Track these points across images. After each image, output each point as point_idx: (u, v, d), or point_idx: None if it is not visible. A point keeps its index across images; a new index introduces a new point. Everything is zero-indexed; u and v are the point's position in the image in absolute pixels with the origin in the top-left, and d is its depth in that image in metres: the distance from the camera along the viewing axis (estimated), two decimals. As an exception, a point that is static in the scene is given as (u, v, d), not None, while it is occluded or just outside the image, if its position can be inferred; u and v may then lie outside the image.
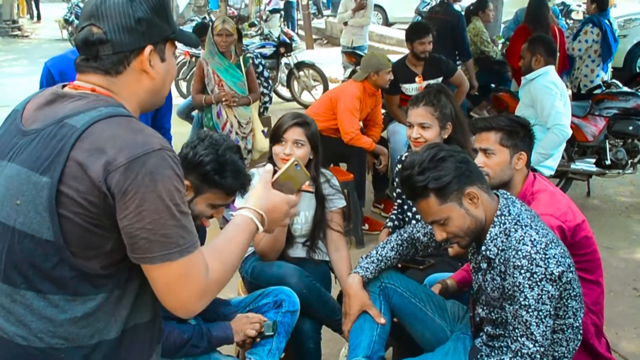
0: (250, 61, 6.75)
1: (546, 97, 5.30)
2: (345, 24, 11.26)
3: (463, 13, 8.81)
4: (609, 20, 7.99)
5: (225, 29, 6.25)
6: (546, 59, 5.47)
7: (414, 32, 6.34)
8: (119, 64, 1.74)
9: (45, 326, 1.66)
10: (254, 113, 6.59)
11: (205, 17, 15.14)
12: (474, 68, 8.15)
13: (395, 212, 3.97)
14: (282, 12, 20.11)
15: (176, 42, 1.91)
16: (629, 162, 6.54)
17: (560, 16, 9.96)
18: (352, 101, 5.78)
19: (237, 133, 6.37)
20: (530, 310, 2.39)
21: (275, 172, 2.10)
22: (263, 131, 6.62)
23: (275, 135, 3.58)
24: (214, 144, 2.73)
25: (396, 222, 3.91)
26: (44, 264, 1.63)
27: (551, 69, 5.48)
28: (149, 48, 1.75)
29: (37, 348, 1.67)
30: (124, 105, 1.75)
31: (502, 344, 2.58)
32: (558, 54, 7.19)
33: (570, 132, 5.29)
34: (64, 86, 1.77)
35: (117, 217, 1.59)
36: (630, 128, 6.42)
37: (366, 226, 6.00)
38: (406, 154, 3.89)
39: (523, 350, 2.42)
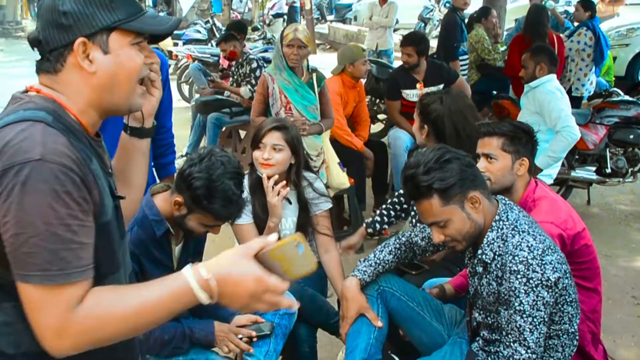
0: (325, 81, 5.49)
1: (553, 101, 5.36)
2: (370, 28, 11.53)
3: (466, 20, 8.85)
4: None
5: (297, 39, 5.03)
6: (549, 68, 5.55)
7: (401, 41, 6.38)
8: (56, 62, 1.62)
9: None
10: (326, 142, 5.43)
11: (208, 21, 15.15)
12: (470, 72, 8.25)
13: (385, 209, 4.02)
14: (286, 17, 20.18)
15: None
16: (630, 170, 6.55)
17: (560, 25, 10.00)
18: (333, 97, 5.74)
19: (312, 169, 5.06)
20: (524, 316, 2.40)
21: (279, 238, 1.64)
22: (339, 163, 5.45)
23: (255, 140, 3.57)
24: (210, 166, 2.68)
25: (384, 218, 3.96)
26: None
27: (554, 77, 5.56)
28: (78, 41, 1.59)
29: None
30: (70, 106, 1.64)
31: (499, 349, 2.58)
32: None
33: (579, 134, 5.33)
34: (26, 90, 1.69)
35: None
36: (631, 137, 6.43)
37: (366, 231, 5.98)
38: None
39: (515, 356, 2.42)
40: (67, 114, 1.62)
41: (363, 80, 7.01)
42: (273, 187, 3.40)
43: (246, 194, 3.48)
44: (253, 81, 7.69)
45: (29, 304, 1.46)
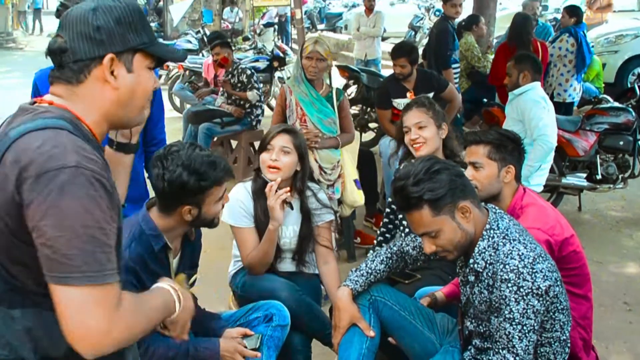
0: (345, 95, 5.49)
1: (534, 109, 5.40)
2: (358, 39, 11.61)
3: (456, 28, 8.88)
4: (583, 32, 8.34)
5: (316, 52, 5.04)
6: (533, 76, 5.57)
7: (392, 53, 6.38)
8: (79, 73, 1.70)
9: None
10: (346, 158, 5.38)
11: (199, 31, 15.17)
12: (460, 80, 8.27)
13: (383, 229, 3.98)
14: (276, 26, 20.20)
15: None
16: (620, 177, 6.58)
17: (553, 33, 10.04)
18: None
19: (318, 180, 4.90)
20: (514, 323, 2.41)
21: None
22: (356, 181, 5.45)
23: (263, 144, 3.59)
24: (173, 159, 2.70)
25: (387, 235, 3.93)
26: None
27: (538, 85, 5.60)
28: (109, 56, 1.69)
29: None
30: (84, 116, 1.71)
31: (489, 357, 2.58)
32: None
33: (554, 143, 5.37)
34: (34, 102, 1.75)
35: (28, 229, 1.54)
36: (621, 143, 6.46)
37: (358, 240, 6.00)
38: (403, 165, 3.91)
39: None
40: (81, 124, 1.70)
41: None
42: (276, 191, 3.39)
43: (249, 199, 3.50)
44: (256, 85, 7.76)
45: (68, 305, 1.50)
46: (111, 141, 2.13)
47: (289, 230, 3.63)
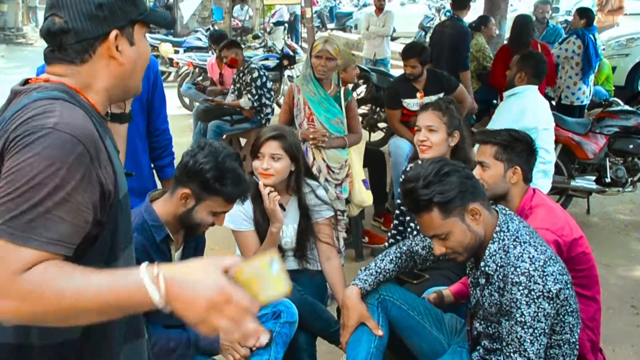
0: (354, 95, 5.50)
1: (504, 114, 5.21)
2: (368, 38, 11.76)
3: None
4: (593, 36, 8.20)
5: (325, 51, 4.99)
6: (530, 79, 5.34)
7: (402, 53, 6.36)
8: (84, 53, 1.64)
9: None
10: (354, 158, 5.35)
11: (209, 29, 15.18)
12: (470, 81, 8.21)
13: (394, 231, 3.98)
14: (286, 25, 20.21)
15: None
16: (629, 180, 6.56)
17: (563, 34, 10.02)
18: None
19: (326, 179, 4.97)
20: (525, 327, 2.41)
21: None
22: (364, 180, 5.42)
23: (254, 150, 3.59)
24: (214, 152, 2.73)
25: (398, 237, 3.93)
26: None
27: (530, 90, 5.32)
28: (114, 33, 1.65)
29: None
30: (85, 91, 1.66)
31: (499, 359, 2.59)
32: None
33: None
34: (25, 82, 1.69)
35: None
36: (631, 146, 6.44)
37: (366, 239, 6.00)
38: (411, 165, 3.90)
39: None
40: (78, 95, 1.64)
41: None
42: (269, 195, 3.41)
43: (248, 202, 3.51)
44: (254, 91, 7.70)
45: None
46: (105, 112, 2.11)
47: (288, 229, 3.64)
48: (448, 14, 16.46)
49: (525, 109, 5.14)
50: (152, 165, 3.64)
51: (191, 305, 1.43)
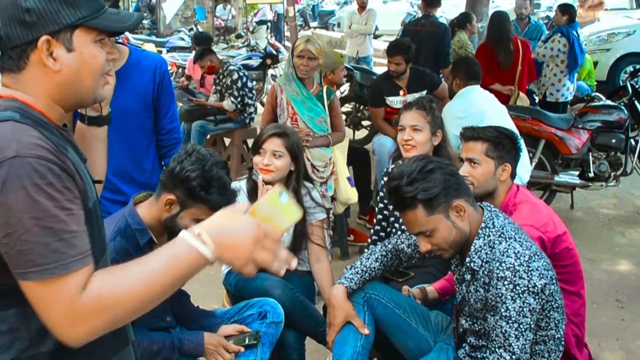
0: (336, 93, 5.48)
1: (447, 113, 5.22)
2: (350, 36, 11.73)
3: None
4: (576, 32, 8.27)
5: (307, 50, 4.99)
6: (466, 83, 5.45)
7: (388, 51, 6.37)
8: (19, 60, 1.58)
9: None
10: (338, 156, 5.38)
11: (192, 29, 15.14)
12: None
13: (377, 228, 3.96)
14: (269, 24, 20.19)
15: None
16: (612, 174, 6.60)
17: (546, 31, 10.05)
18: None
19: (311, 178, 4.77)
20: (510, 322, 2.41)
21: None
22: (349, 178, 5.46)
23: (255, 146, 3.60)
24: (201, 159, 2.70)
25: (381, 234, 3.92)
26: None
27: (468, 89, 5.43)
28: (43, 39, 1.56)
29: None
30: (35, 102, 1.60)
31: (485, 355, 2.59)
32: (520, 68, 7.34)
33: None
34: None
35: None
36: (613, 141, 6.48)
37: (351, 237, 6.01)
38: (392, 166, 3.90)
39: None
40: (32, 110, 1.59)
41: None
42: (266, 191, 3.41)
43: (245, 199, 3.52)
44: (236, 93, 7.70)
45: (34, 301, 1.46)
46: (82, 116, 2.05)
47: None
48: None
49: (466, 101, 5.32)
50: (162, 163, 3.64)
51: (239, 248, 1.54)
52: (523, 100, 7.33)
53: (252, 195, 3.54)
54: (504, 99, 7.12)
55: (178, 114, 8.01)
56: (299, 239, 3.64)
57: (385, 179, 3.83)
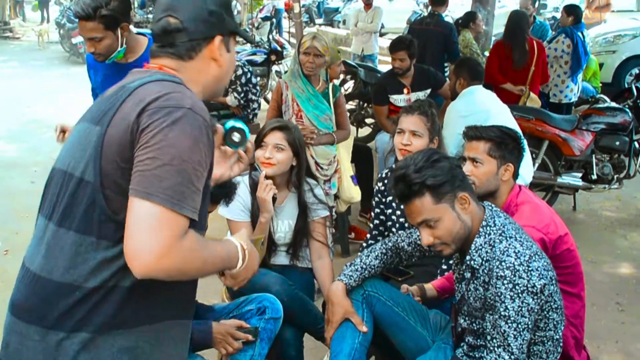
0: (342, 91, 5.46)
1: (451, 114, 5.29)
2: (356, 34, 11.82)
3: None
4: (582, 33, 8.20)
5: (313, 47, 4.95)
6: (469, 83, 5.41)
7: (390, 47, 6.36)
8: (191, 50, 1.94)
9: (69, 263, 1.78)
10: (342, 154, 5.37)
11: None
12: None
13: (376, 222, 3.93)
14: (274, 20, 20.15)
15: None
16: (615, 177, 6.58)
17: (550, 31, 10.02)
18: None
19: (315, 176, 4.61)
20: (509, 321, 2.40)
21: None
22: (352, 176, 5.48)
23: (257, 140, 3.61)
24: None
25: (380, 228, 3.90)
26: (79, 205, 1.78)
27: (472, 89, 5.40)
28: (218, 38, 1.97)
29: (58, 282, 1.79)
30: (189, 86, 1.90)
31: (483, 354, 2.58)
32: (533, 69, 7.29)
33: (451, 152, 5.20)
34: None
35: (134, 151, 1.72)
36: (617, 143, 6.46)
37: (352, 235, 6.01)
38: (386, 171, 3.87)
39: None
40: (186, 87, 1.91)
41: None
42: (266, 186, 3.41)
43: (248, 194, 3.55)
44: (239, 88, 7.68)
45: (143, 220, 1.65)
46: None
47: (284, 225, 3.64)
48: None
49: (471, 100, 5.27)
50: None
51: (250, 270, 2.08)
52: (534, 101, 7.28)
53: (254, 190, 3.54)
54: (514, 98, 7.11)
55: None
56: (300, 235, 3.64)
57: (383, 173, 3.83)
